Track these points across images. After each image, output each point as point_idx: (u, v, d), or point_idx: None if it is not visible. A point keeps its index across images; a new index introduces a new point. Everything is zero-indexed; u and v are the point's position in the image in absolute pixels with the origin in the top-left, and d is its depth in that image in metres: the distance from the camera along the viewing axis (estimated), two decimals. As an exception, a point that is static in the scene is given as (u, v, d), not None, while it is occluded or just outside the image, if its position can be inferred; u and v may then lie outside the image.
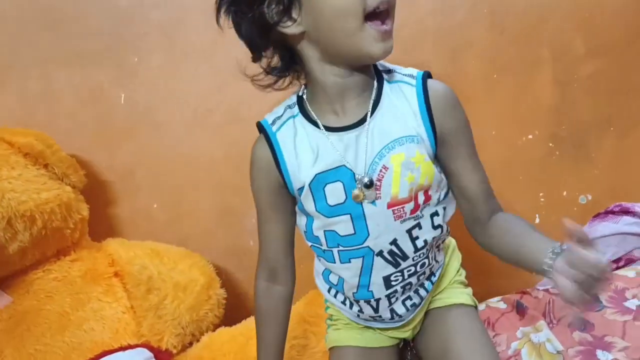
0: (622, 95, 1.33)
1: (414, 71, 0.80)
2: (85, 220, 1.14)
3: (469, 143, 0.82)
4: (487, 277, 1.22)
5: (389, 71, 0.80)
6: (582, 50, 1.31)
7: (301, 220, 0.84)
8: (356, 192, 0.77)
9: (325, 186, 0.78)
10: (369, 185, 0.77)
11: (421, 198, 0.80)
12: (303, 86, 0.81)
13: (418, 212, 0.81)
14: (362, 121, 0.77)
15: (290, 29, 0.73)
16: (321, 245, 0.83)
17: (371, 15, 0.69)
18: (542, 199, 1.36)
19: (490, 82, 1.31)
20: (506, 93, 1.31)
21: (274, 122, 0.81)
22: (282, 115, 0.81)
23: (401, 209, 0.80)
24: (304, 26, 0.72)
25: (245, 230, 1.30)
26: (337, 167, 0.77)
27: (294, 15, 0.72)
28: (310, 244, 0.85)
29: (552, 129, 1.34)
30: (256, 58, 0.81)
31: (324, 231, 0.81)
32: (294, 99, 0.82)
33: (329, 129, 0.78)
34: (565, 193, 1.36)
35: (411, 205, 0.80)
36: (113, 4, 1.21)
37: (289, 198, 0.82)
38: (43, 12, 1.22)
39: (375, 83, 0.78)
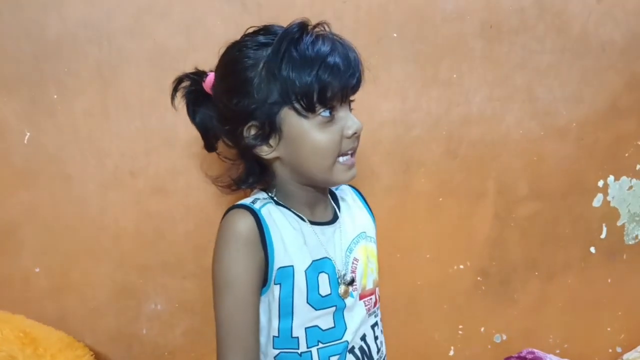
0: (551, 242, 1.31)
1: None
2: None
3: None
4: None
5: None
6: (524, 191, 1.27)
7: (273, 323, 0.77)
8: (343, 288, 0.79)
9: (318, 275, 0.78)
10: (351, 282, 0.81)
11: (377, 293, 0.87)
12: (273, 189, 0.82)
13: (376, 309, 0.86)
14: (334, 219, 0.84)
15: (265, 153, 0.77)
16: (298, 347, 0.77)
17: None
18: (460, 331, 1.28)
19: (435, 204, 1.23)
20: (448, 218, 1.24)
21: (254, 202, 0.79)
22: (261, 199, 0.80)
23: (369, 301, 0.84)
24: (279, 153, 0.77)
25: (141, 316, 1.08)
26: (323, 258, 0.79)
27: (272, 142, 0.76)
28: (278, 351, 0.78)
29: (483, 263, 1.27)
30: (210, 149, 0.87)
31: (306, 329, 0.77)
32: (264, 194, 0.82)
33: (311, 222, 0.81)
34: (482, 329, 1.29)
35: (374, 298, 0.86)
36: (40, 31, 0.98)
37: (262, 283, 0.76)
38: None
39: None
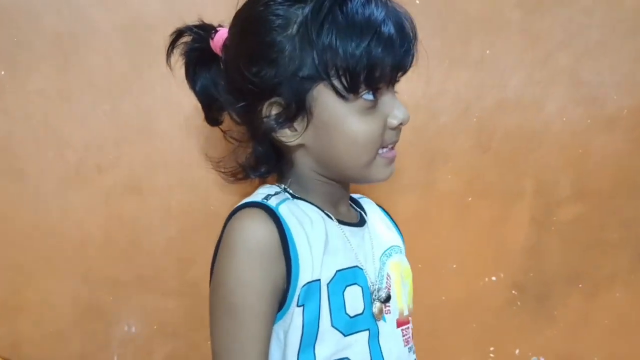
0: (597, 250, 1.10)
1: None
2: None
3: None
4: None
5: None
6: (567, 191, 1.06)
7: (287, 358, 0.57)
8: (377, 306, 0.62)
9: (345, 289, 0.60)
10: (387, 300, 0.64)
11: (411, 325, 0.69)
12: (288, 182, 0.66)
13: (413, 344, 0.69)
14: (361, 222, 0.69)
15: (287, 138, 0.61)
16: None
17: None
18: (491, 354, 1.07)
19: (463, 205, 1.02)
20: (477, 222, 1.03)
21: (267, 198, 0.61)
22: (275, 194, 0.63)
23: (407, 331, 0.68)
24: (304, 140, 0.61)
25: (112, 341, 0.87)
26: (353, 266, 0.62)
27: (297, 126, 0.60)
28: None
29: (518, 274, 1.06)
30: (213, 122, 0.71)
31: None
32: (276, 187, 0.65)
33: (339, 221, 0.64)
34: (517, 351, 1.09)
35: (410, 328, 0.69)
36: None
37: (277, 306, 0.57)
38: None
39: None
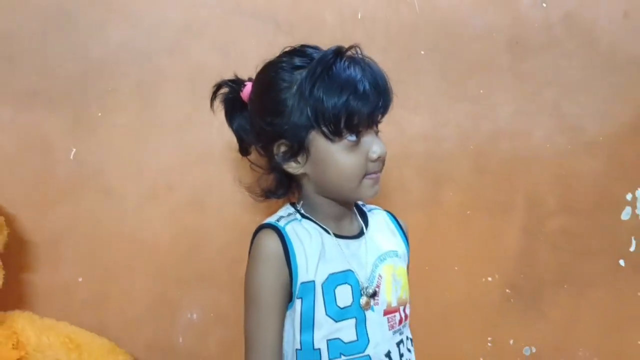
0: (580, 256, 1.27)
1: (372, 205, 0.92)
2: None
3: None
4: None
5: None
6: (553, 205, 1.24)
7: (296, 337, 0.76)
8: (364, 300, 0.78)
9: (336, 287, 0.77)
10: (373, 295, 0.79)
11: (403, 312, 0.84)
12: (300, 201, 0.82)
13: (402, 327, 0.84)
14: (359, 234, 0.84)
15: (293, 169, 0.78)
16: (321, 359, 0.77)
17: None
18: (489, 344, 1.25)
19: (463, 217, 1.20)
20: (476, 231, 1.21)
21: (279, 220, 0.80)
22: (286, 216, 0.81)
23: (393, 318, 0.82)
24: (306, 170, 0.78)
25: (177, 325, 1.08)
26: (346, 270, 0.78)
27: (299, 159, 0.77)
28: None
29: (512, 275, 1.24)
30: (244, 153, 0.87)
31: (327, 341, 0.76)
32: (291, 209, 0.82)
33: (336, 235, 0.80)
34: (511, 342, 1.26)
35: (398, 316, 0.83)
36: (83, 51, 0.99)
37: (288, 299, 0.77)
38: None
39: (354, 207, 0.87)
